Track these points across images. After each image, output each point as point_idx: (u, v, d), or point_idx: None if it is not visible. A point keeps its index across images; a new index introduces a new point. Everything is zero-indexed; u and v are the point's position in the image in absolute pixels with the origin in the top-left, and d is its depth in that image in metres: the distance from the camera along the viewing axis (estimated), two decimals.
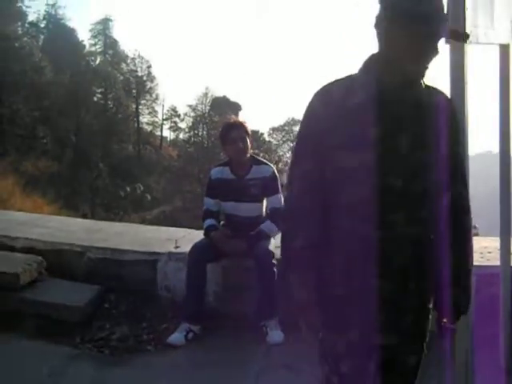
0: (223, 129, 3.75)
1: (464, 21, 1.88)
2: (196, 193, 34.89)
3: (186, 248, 3.76)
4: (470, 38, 1.91)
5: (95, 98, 44.99)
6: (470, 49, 1.94)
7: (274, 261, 3.49)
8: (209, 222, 3.70)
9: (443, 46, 1.67)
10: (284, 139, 62.84)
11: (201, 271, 3.53)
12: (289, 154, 63.24)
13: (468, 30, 1.90)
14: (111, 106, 45.57)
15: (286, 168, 38.64)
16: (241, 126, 3.66)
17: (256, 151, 29.41)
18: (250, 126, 3.76)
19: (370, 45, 1.58)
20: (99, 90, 45.17)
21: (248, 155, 3.68)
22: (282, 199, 3.67)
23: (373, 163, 1.48)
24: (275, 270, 3.47)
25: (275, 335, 3.41)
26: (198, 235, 3.83)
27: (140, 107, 51.07)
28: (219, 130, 3.84)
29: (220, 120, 38.95)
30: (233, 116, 5.48)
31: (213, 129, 43.05)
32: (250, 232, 3.59)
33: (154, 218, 35.47)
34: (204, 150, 43.11)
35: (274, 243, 3.68)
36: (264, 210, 3.73)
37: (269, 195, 3.67)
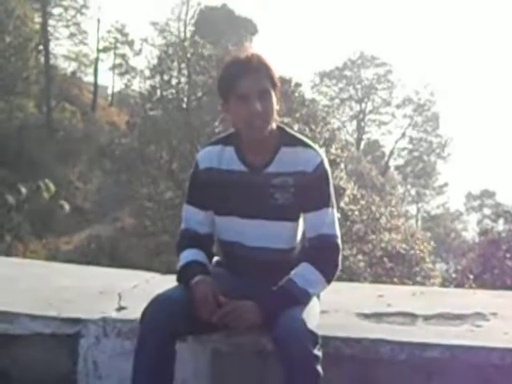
0: (224, 71, 2.87)
1: None
2: (164, 199, 25.57)
3: (138, 309, 2.83)
4: None
5: None
6: None
7: (316, 350, 2.57)
8: (190, 255, 2.79)
9: None
10: (343, 96, 38.93)
11: (164, 358, 2.60)
12: (353, 126, 38.14)
13: None
14: None
15: (345, 155, 27.78)
16: (261, 67, 2.79)
17: (287, 120, 20.53)
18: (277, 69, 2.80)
19: None
20: None
21: (273, 126, 2.93)
22: (336, 219, 3.01)
23: None
24: (319, 370, 2.67)
25: None
26: (166, 283, 2.95)
27: (52, 22, 33.97)
28: (216, 75, 2.97)
29: (216, 54, 26.36)
30: (246, 44, 4.66)
31: (200, 72, 28.00)
32: (269, 283, 2.77)
33: (76, 248, 25.69)
34: (183, 114, 27.65)
35: (319, 308, 2.79)
36: (299, 237, 2.97)
37: (310, 209, 2.89)
